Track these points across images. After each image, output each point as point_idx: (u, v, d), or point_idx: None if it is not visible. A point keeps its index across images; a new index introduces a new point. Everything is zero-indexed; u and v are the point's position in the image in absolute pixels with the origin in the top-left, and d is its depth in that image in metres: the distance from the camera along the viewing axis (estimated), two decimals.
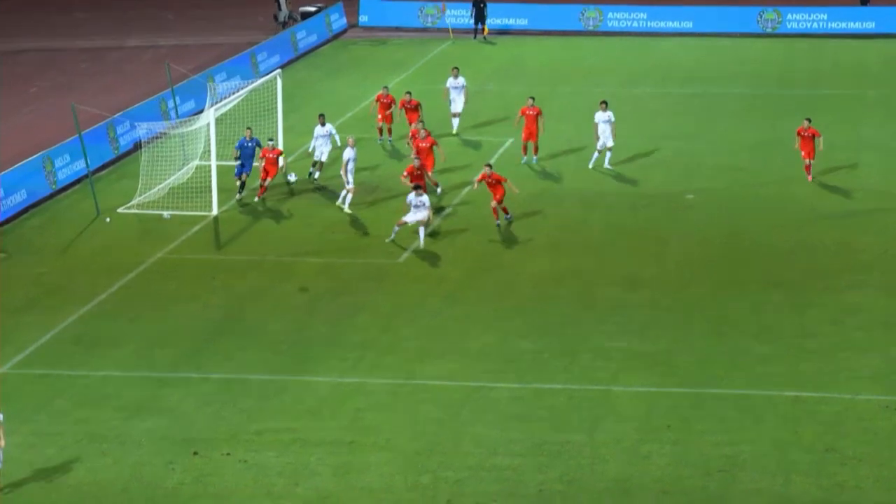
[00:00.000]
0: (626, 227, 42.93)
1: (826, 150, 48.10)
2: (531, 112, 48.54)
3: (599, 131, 48.03)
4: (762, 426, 30.17)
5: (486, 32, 70.69)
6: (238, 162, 45.16)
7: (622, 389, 32.11)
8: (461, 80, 53.01)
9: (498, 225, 42.38)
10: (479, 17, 70.85)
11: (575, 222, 43.53)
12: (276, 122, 49.56)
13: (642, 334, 35.07)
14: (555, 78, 62.51)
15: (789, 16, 71.18)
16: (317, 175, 46.97)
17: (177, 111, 53.55)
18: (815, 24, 70.97)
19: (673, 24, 71.73)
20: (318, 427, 30.54)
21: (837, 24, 70.98)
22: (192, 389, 32.45)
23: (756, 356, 33.72)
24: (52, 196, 46.46)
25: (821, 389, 31.84)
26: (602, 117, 48.02)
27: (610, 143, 47.99)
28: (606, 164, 48.35)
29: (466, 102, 53.05)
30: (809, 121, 45.84)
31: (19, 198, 45.03)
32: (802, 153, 45.84)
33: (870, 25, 70.93)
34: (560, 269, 39.58)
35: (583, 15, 72.48)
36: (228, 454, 29.33)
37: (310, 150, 47.49)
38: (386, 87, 52.57)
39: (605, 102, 48.37)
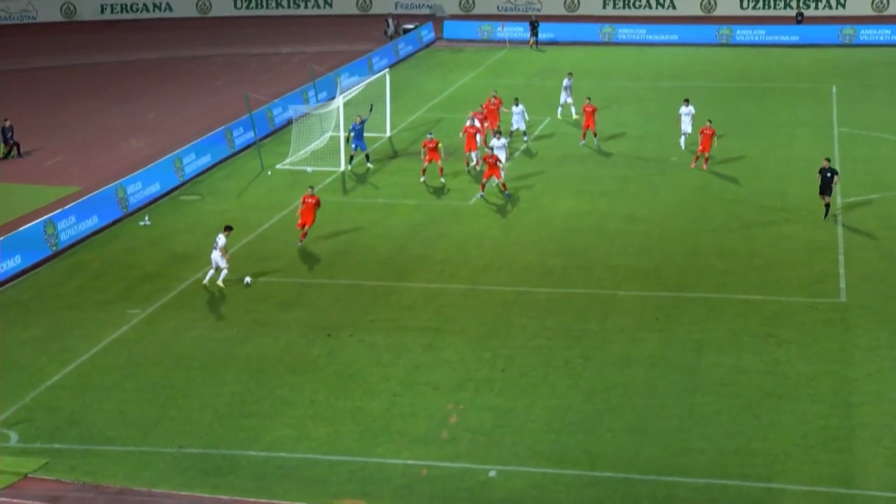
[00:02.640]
0: (629, 180, 42.62)
1: (770, 125, 47.33)
2: (589, 109, 46.34)
3: (682, 121, 45.54)
4: (721, 319, 30.02)
5: (531, 44, 70.05)
6: (351, 141, 44.47)
7: (624, 293, 32.02)
8: (521, 107, 47.43)
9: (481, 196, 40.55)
10: (534, 31, 70.17)
11: (593, 176, 43.27)
12: (385, 107, 49.47)
13: (638, 255, 34.93)
14: (579, 75, 61.98)
15: (738, 31, 70.23)
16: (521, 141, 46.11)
17: (316, 97, 53.60)
18: (757, 37, 69.93)
19: (664, 37, 70.91)
20: (413, 318, 30.69)
21: (776, 37, 69.82)
22: (326, 291, 32.68)
23: (718, 270, 33.51)
24: (231, 157, 46.71)
25: (764, 294, 31.61)
26: (684, 111, 45.69)
27: (689, 131, 45.28)
28: (682, 146, 45.53)
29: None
30: (710, 122, 43.20)
31: (208, 158, 45.36)
32: (699, 147, 42.73)
33: (800, 37, 69.77)
34: (581, 209, 39.41)
35: (601, 30, 71.86)
36: (351, 335, 29.56)
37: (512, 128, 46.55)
38: (494, 91, 49.76)
39: (687, 99, 46.08)
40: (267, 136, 49.46)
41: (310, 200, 35.91)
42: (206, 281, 32.62)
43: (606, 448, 23.81)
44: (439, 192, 41.78)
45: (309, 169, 44.33)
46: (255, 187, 43.04)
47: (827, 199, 36.86)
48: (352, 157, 44.85)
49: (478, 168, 42.98)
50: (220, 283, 32.42)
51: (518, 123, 46.84)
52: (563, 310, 30.88)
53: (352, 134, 44.45)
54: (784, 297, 31.22)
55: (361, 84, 49.36)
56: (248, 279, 32.80)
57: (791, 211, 38.39)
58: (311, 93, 53.95)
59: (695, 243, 35.70)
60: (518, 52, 69.05)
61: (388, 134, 49.20)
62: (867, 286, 31.81)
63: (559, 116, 50.55)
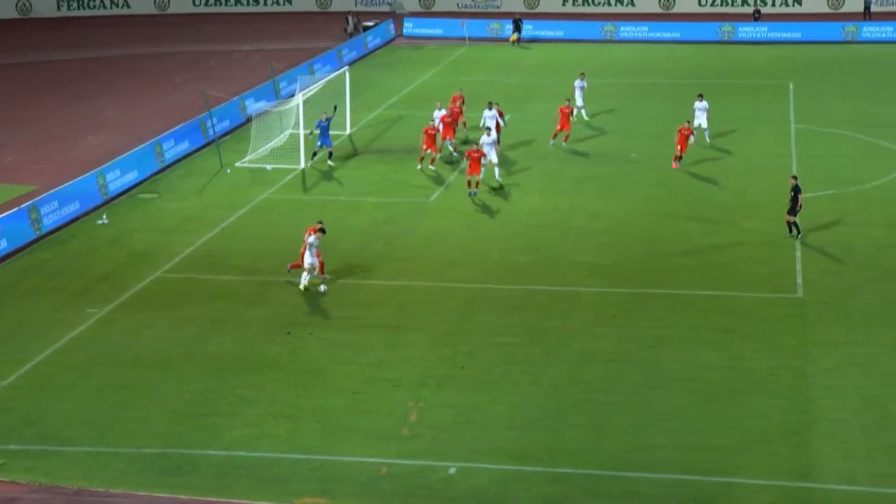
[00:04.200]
0: (591, 177, 42.69)
1: (729, 121, 47.53)
2: (567, 110, 46.06)
3: (696, 116, 45.58)
4: (683, 315, 30.13)
5: (513, 39, 69.82)
6: (316, 136, 44.43)
7: (585, 290, 32.06)
8: (494, 112, 46.13)
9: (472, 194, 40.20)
10: (517, 28, 70.14)
11: (556, 173, 43.30)
12: (345, 104, 49.30)
13: (600, 252, 35.01)
14: (541, 72, 62.13)
15: (741, 29, 70.20)
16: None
17: (277, 95, 53.34)
18: (715, 34, 70.14)
19: (624, 34, 71.09)
20: (375, 315, 30.60)
21: (735, 34, 70.28)
22: (287, 289, 32.51)
23: (678, 266, 33.64)
24: (189, 154, 46.41)
25: (725, 289, 31.76)
26: (699, 105, 45.81)
27: (705, 125, 45.53)
28: (707, 139, 45.45)
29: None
30: (688, 122, 43.36)
31: (172, 153, 45.17)
32: (678, 147, 42.40)
33: (758, 34, 70.18)
34: (545, 206, 39.44)
35: (602, 28, 71.76)
36: (312, 333, 29.44)
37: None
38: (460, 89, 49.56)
39: (701, 94, 46.22)
40: (226, 133, 49.18)
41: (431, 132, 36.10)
42: (302, 285, 31.88)
43: (567, 444, 23.84)
44: (402, 188, 41.68)
45: (269, 167, 44.12)
46: (214, 185, 42.77)
47: (790, 217, 35.18)
48: (314, 153, 44.65)
49: (432, 166, 42.86)
50: (302, 286, 31.72)
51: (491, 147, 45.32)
52: (527, 306, 30.89)
53: (317, 131, 44.28)
54: (743, 293, 31.37)
55: (321, 81, 49.17)
56: (323, 287, 32.15)
57: (751, 207, 38.59)
58: (272, 90, 53.70)
59: (656, 240, 35.80)
60: (478, 48, 69.09)
61: (348, 132, 49.07)
62: (824, 281, 32.04)
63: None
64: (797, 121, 50.00)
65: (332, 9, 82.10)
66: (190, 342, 28.94)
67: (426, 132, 43.12)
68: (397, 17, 77.09)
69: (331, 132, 44.53)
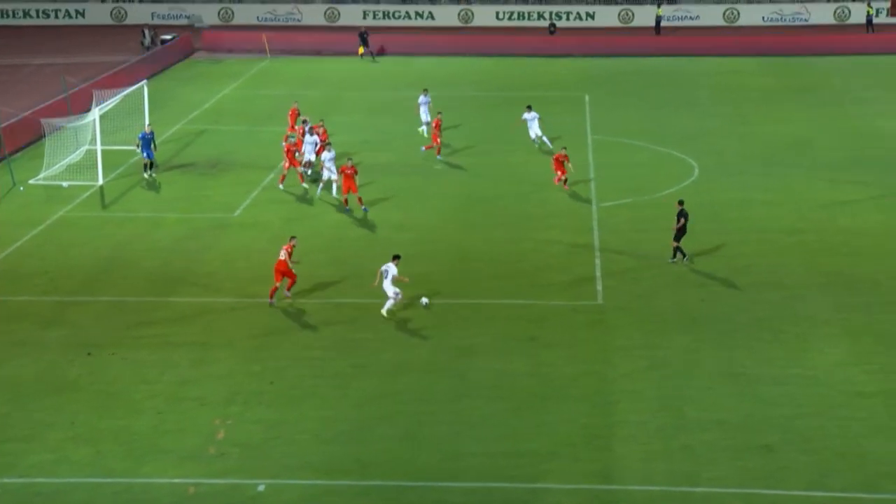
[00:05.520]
0: (396, 188, 42.89)
1: (527, 131, 48.60)
2: (436, 128, 46.31)
3: (529, 126, 47.03)
4: (491, 325, 30.54)
5: (360, 52, 69.67)
6: (140, 149, 43.65)
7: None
8: (428, 98, 48.61)
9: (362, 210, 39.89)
10: (364, 42, 69.91)
11: (361, 185, 43.23)
12: (144, 117, 48.24)
13: (408, 262, 35.01)
14: (345, 87, 62.19)
15: (495, 43, 71.70)
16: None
17: (69, 110, 51.75)
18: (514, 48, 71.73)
19: (426, 48, 71.78)
20: (180, 333, 30.03)
21: (532, 47, 71.90)
22: (88, 308, 31.62)
23: (485, 275, 34.08)
24: None
25: (529, 298, 32.35)
26: (528, 116, 47.09)
27: (540, 133, 46.97)
28: (549, 145, 46.69)
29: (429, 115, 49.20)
30: (565, 148, 43.12)
31: None
32: (558, 173, 41.89)
33: (555, 48, 71.98)
34: (350, 219, 39.40)
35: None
36: (114, 353, 28.70)
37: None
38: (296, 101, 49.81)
39: (529, 106, 47.36)
40: (18, 149, 47.47)
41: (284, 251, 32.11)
42: (384, 310, 30.82)
43: (378, 456, 23.86)
44: (205, 204, 41.04)
45: (65, 184, 42.81)
46: (6, 203, 41.22)
47: (676, 243, 34.45)
48: (145, 166, 43.76)
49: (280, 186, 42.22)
50: (384, 311, 30.73)
51: (309, 154, 44.19)
52: (335, 320, 30.80)
53: (140, 142, 43.45)
54: (548, 301, 32.04)
55: (118, 96, 48.01)
56: (425, 300, 31.44)
57: (553, 217, 39.44)
58: (67, 105, 52.05)
59: (462, 250, 36.22)
60: (279, 62, 68.67)
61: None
62: (623, 288, 33.00)
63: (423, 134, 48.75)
64: (594, 132, 51.43)
65: (128, 22, 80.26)
66: None
67: (287, 150, 42.51)
68: (196, 31, 76.01)
69: (130, 147, 43.53)
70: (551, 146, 46.72)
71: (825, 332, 29.82)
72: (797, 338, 29.49)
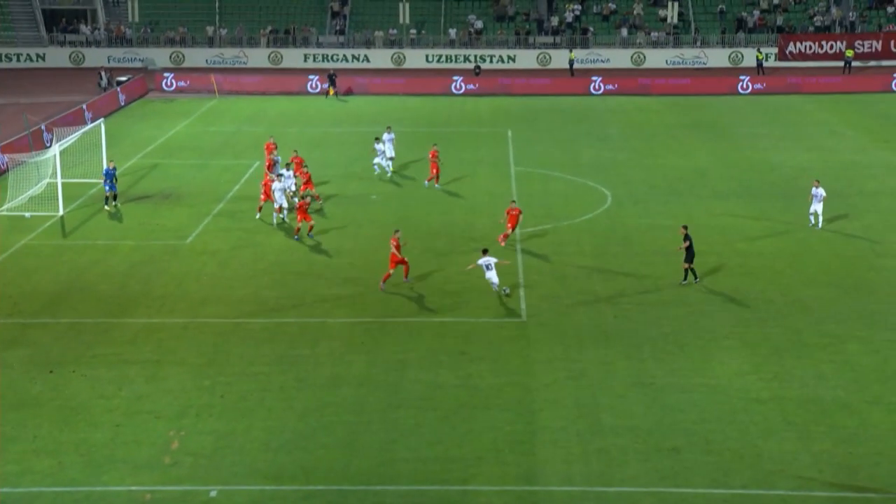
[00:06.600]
0: (334, 216, 42.76)
1: (456, 164, 48.73)
2: (432, 158, 46.09)
3: (387, 147, 47.63)
4: (421, 340, 30.49)
5: (331, 92, 69.40)
6: (107, 183, 43.10)
7: (333, 321, 32.03)
8: (392, 135, 48.18)
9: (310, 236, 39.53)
10: (332, 82, 69.62)
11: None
12: (101, 153, 47.65)
13: (345, 285, 35.08)
14: (285, 122, 61.95)
15: (426, 82, 71.89)
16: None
17: (31, 146, 50.94)
18: (442, 88, 71.94)
19: (362, 87, 71.72)
20: (135, 351, 29.63)
21: (460, 86, 72.13)
22: (48, 329, 31.09)
23: (415, 295, 34.05)
24: None
25: (457, 315, 32.36)
26: (387, 136, 47.65)
27: (392, 155, 47.70)
28: (389, 172, 47.81)
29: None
30: (514, 202, 40.88)
31: None
32: (508, 227, 38.98)
33: (479, 87, 72.33)
34: (292, 244, 39.20)
35: (306, 83, 71.74)
36: (74, 371, 28.23)
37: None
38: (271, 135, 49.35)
39: (389, 126, 47.69)
40: None
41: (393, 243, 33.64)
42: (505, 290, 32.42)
43: (320, 463, 23.69)
44: (158, 231, 40.59)
45: (27, 214, 42.12)
46: None
47: (687, 264, 34.45)
48: (106, 199, 43.22)
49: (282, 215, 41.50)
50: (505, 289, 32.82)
51: (280, 200, 43.94)
52: (278, 338, 30.57)
53: (104, 177, 43.01)
54: (475, 319, 32.09)
55: (77, 133, 47.41)
56: (506, 289, 32.99)
57: (478, 241, 39.53)
58: (29, 141, 51.25)
59: (395, 272, 36.14)
60: (227, 101, 68.31)
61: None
62: (544, 306, 33.15)
63: (385, 171, 48.16)
64: (516, 164, 51.73)
65: (86, 65, 79.44)
66: None
67: (265, 184, 41.94)
68: (149, 73, 75.50)
69: (89, 180, 42.94)
70: (389, 174, 47.46)
71: (725, 345, 30.19)
72: (700, 350, 29.82)
